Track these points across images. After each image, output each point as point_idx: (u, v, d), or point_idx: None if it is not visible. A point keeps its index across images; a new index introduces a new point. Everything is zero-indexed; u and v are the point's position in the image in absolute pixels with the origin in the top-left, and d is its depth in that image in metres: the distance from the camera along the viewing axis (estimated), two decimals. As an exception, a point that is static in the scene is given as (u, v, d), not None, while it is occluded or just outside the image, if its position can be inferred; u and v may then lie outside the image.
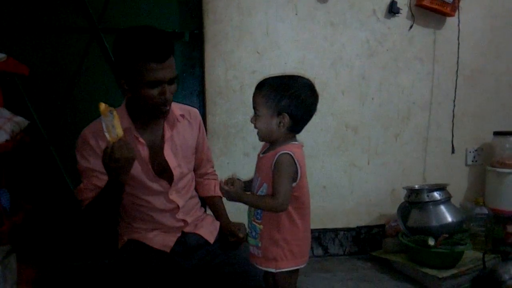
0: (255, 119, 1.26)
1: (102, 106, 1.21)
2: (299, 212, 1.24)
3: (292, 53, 2.39)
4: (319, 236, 2.50)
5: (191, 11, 2.35)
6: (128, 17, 2.30)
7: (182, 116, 1.50)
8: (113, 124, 1.20)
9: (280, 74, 1.30)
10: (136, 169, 1.38)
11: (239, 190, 1.23)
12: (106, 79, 2.30)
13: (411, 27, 2.49)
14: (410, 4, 2.47)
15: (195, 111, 1.59)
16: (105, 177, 1.29)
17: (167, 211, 1.46)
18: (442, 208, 2.20)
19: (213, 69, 2.33)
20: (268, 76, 1.29)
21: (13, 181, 2.09)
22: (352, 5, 2.42)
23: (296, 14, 2.38)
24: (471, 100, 2.61)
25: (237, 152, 2.38)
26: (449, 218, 2.17)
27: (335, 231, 2.51)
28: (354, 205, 2.53)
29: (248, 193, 1.27)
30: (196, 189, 1.63)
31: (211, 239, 1.49)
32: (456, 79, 2.53)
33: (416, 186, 2.33)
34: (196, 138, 1.56)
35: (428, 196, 2.22)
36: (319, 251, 2.50)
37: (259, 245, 1.25)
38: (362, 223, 2.54)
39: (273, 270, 1.23)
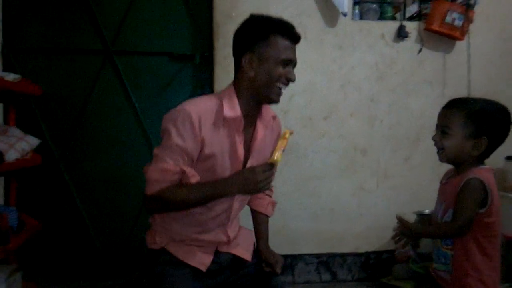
0: (441, 137, 1.25)
1: (288, 131, 1.25)
2: (490, 240, 1.19)
3: (301, 75, 2.38)
4: (327, 261, 2.45)
5: (202, 34, 2.40)
6: (141, 40, 2.36)
7: (274, 118, 1.41)
8: (284, 148, 1.21)
9: (474, 97, 1.31)
10: (226, 167, 1.28)
11: (413, 227, 1.23)
12: (118, 100, 2.35)
13: (420, 50, 2.49)
14: (419, 28, 2.49)
15: (279, 120, 1.48)
16: (190, 164, 1.24)
17: (220, 218, 1.34)
18: (454, 233, 2.14)
19: (222, 90, 2.35)
20: (461, 97, 1.29)
21: (23, 199, 2.12)
22: (361, 29, 2.44)
23: (306, 37, 2.40)
24: (482, 124, 2.57)
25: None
26: (461, 244, 2.11)
27: (344, 256, 2.46)
28: (363, 229, 2.49)
29: (422, 226, 1.28)
30: (249, 203, 1.53)
31: (248, 256, 1.40)
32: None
33: (427, 211, 2.28)
34: (271, 147, 1.41)
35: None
36: (327, 276, 2.45)
37: (450, 270, 1.22)
38: (371, 248, 2.49)
39: None
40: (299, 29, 2.39)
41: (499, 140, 1.24)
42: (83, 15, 2.30)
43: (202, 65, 2.39)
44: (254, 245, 1.49)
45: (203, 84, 2.42)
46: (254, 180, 1.18)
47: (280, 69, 1.26)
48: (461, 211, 1.16)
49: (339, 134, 2.45)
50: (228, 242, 1.38)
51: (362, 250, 2.48)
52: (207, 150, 1.24)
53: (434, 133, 2.65)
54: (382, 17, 2.50)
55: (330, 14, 2.40)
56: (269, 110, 1.39)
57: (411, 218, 2.34)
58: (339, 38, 2.43)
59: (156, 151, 1.26)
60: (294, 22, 2.35)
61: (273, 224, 2.38)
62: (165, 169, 1.22)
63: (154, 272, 1.30)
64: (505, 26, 2.59)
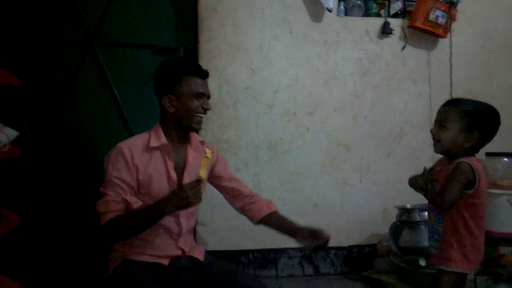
0: (438, 130, 1.40)
1: (208, 151, 1.49)
2: (476, 220, 1.36)
3: (286, 71, 2.41)
4: (310, 255, 2.46)
5: (187, 27, 2.38)
6: (124, 31, 2.32)
7: (202, 143, 1.60)
8: (207, 166, 1.42)
9: (469, 99, 1.45)
10: (164, 188, 1.45)
11: (423, 180, 1.40)
12: (100, 93, 2.31)
13: (403, 47, 2.52)
14: (403, 25, 2.51)
15: (209, 143, 1.67)
16: (131, 192, 1.42)
17: (171, 234, 1.48)
18: (434, 228, 2.19)
19: (206, 84, 2.34)
20: (459, 97, 1.47)
21: (1, 192, 2.07)
22: (346, 25, 2.45)
23: (291, 32, 2.40)
24: (463, 121, 2.62)
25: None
26: (441, 239, 2.16)
27: (327, 249, 2.48)
28: (346, 224, 2.51)
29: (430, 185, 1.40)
30: (250, 217, 1.69)
31: (202, 258, 1.55)
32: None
33: (408, 206, 2.32)
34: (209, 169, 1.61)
35: (419, 215, 2.20)
36: (309, 270, 2.47)
37: (438, 246, 1.39)
38: (354, 242, 2.52)
39: (444, 268, 1.36)
40: (284, 24, 2.42)
41: (488, 136, 1.41)
42: (64, 5, 2.25)
43: (187, 59, 2.36)
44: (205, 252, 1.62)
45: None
46: (184, 196, 1.35)
47: (195, 102, 1.48)
48: (447, 189, 1.33)
49: (323, 129, 2.46)
50: (184, 254, 1.50)
51: (345, 244, 2.50)
52: (141, 176, 1.43)
53: (416, 129, 2.70)
54: (366, 13, 2.52)
55: (315, 9, 2.41)
56: (197, 137, 1.61)
57: (393, 212, 2.39)
58: (324, 34, 2.44)
59: (100, 189, 1.44)
60: (279, 17, 2.39)
61: (257, 218, 2.40)
62: (107, 200, 1.40)
63: (117, 273, 1.43)
64: (487, 24, 2.64)
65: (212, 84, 2.33)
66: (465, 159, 1.35)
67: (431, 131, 1.43)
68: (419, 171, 2.61)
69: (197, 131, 1.55)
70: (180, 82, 1.47)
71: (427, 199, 1.43)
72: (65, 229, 2.29)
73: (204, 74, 1.53)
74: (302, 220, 2.43)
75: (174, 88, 1.47)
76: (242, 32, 2.35)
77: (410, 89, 2.56)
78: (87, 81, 2.29)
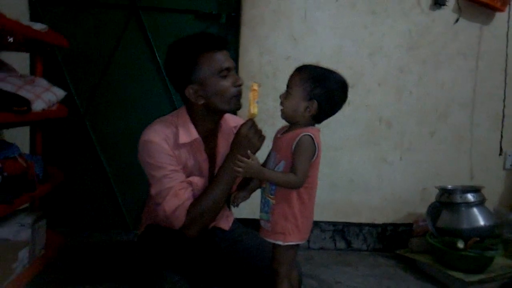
0: (285, 96, 1.32)
1: (255, 84, 1.30)
2: (308, 190, 1.30)
3: (329, 41, 2.34)
4: (343, 229, 2.45)
5: (230, -7, 2.33)
6: (167, -4, 2.31)
7: (235, 127, 1.44)
8: (257, 99, 1.27)
9: (321, 65, 1.35)
10: (199, 182, 1.37)
11: (258, 164, 1.28)
12: (142, 57, 2.33)
13: (457, 20, 2.37)
14: (457, -4, 2.36)
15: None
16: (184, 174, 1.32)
17: None
18: (475, 210, 2.11)
19: (247, 53, 2.31)
20: (310, 64, 1.35)
21: (47, 149, 2.16)
22: (396, -6, 2.33)
23: (336, 0, 2.31)
24: (514, 101, 2.48)
25: (266, 139, 2.35)
26: (481, 222, 2.08)
27: (360, 225, 2.46)
28: (381, 201, 2.47)
29: (267, 169, 1.31)
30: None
31: (226, 227, 1.54)
32: (505, 78, 2.40)
33: (449, 186, 2.24)
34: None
35: (461, 197, 2.13)
36: (341, 244, 2.46)
37: (270, 219, 1.31)
38: (388, 220, 2.48)
39: (281, 243, 1.29)
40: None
41: (329, 108, 1.32)
42: (110, -32, 2.26)
43: (228, 25, 2.33)
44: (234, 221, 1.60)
45: (228, 46, 2.36)
46: (247, 139, 1.26)
47: (224, 82, 1.29)
48: (299, 166, 1.25)
49: (364, 103, 2.39)
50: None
51: (378, 221, 2.46)
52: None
53: (463, 108, 2.56)
54: (419, -18, 2.38)
55: (364, -24, 2.30)
56: (228, 121, 1.46)
57: (432, 192, 2.32)
58: (372, 3, 2.32)
59: (154, 191, 1.30)
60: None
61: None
62: (175, 193, 1.27)
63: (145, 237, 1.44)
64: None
65: (253, 52, 2.30)
66: (308, 131, 1.27)
67: (280, 96, 1.34)
68: (464, 151, 2.49)
69: (239, 109, 1.40)
70: (197, 64, 1.27)
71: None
72: (108, 190, 2.38)
73: (221, 44, 1.32)
74: (337, 195, 2.44)
75: (194, 74, 1.27)
76: (286, -1, 2.28)
77: (460, 65, 2.43)
78: (131, 45, 2.32)
